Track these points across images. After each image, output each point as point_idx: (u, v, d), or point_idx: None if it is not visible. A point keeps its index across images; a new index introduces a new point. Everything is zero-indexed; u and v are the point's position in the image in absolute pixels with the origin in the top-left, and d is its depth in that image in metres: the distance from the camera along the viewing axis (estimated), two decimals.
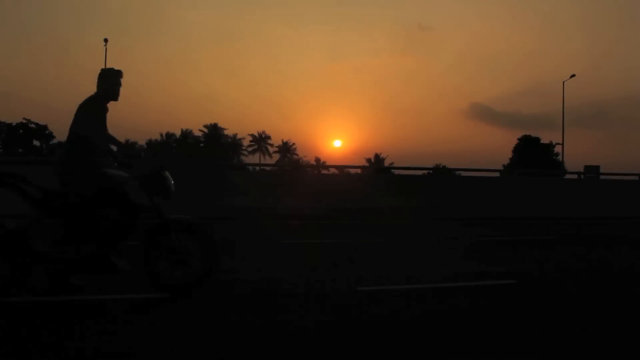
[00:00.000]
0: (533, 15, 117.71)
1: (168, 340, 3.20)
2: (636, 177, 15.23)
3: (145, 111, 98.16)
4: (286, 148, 77.03)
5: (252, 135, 75.38)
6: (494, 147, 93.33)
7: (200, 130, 71.62)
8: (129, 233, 4.22)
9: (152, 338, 3.25)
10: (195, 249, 4.26)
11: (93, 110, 4.32)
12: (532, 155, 51.96)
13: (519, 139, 58.70)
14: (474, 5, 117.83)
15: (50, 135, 59.27)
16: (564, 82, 42.64)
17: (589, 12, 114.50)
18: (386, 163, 68.23)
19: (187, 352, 2.99)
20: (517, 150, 57.53)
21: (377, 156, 71.18)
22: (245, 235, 8.67)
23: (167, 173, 4.43)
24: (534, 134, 59.25)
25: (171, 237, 4.24)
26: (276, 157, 76.09)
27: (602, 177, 17.78)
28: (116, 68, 4.44)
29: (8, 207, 4.29)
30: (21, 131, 57.09)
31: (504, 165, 52.74)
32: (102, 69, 4.48)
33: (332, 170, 25.83)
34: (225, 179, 12.37)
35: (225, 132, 72.28)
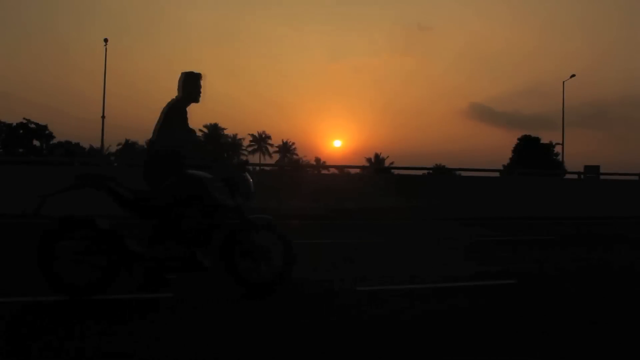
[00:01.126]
0: (532, 15, 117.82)
1: (167, 339, 3.20)
2: (636, 177, 15.23)
3: (145, 111, 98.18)
4: (286, 148, 77.05)
5: (252, 135, 75.48)
6: (494, 147, 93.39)
7: (200, 130, 71.67)
8: (215, 232, 4.36)
9: (151, 338, 3.25)
10: (274, 247, 4.43)
11: (178, 114, 4.48)
12: (532, 155, 51.94)
13: (519, 139, 58.68)
14: (474, 5, 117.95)
15: (51, 135, 59.25)
16: (564, 82, 42.64)
17: (589, 12, 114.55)
18: (386, 163, 68.23)
19: (186, 352, 2.99)
20: (517, 150, 57.52)
21: (377, 156, 71.19)
22: None
23: (247, 174, 4.59)
24: (533, 134, 59.21)
25: (252, 236, 4.40)
26: (276, 157, 76.14)
27: (602, 177, 17.79)
28: (196, 71, 4.60)
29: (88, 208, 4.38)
30: (21, 131, 57.05)
31: (504, 165, 52.69)
32: (183, 73, 4.61)
33: (332, 170, 25.82)
34: None
35: (225, 132, 72.36)
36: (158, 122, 4.55)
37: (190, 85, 4.56)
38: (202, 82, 4.62)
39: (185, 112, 4.53)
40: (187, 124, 4.52)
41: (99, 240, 4.12)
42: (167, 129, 4.46)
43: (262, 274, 4.39)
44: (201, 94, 4.61)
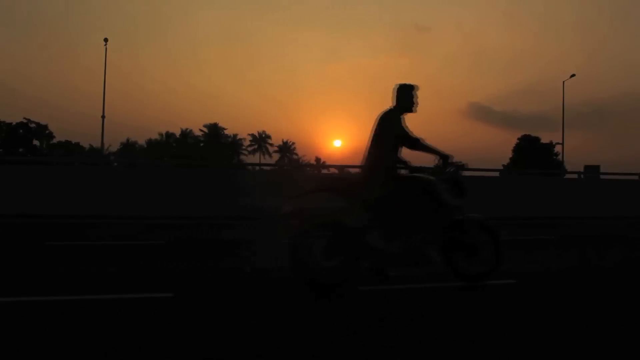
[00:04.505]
0: (530, 15, 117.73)
1: (167, 340, 3.20)
2: (636, 177, 15.23)
3: (145, 111, 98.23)
4: (286, 148, 77.11)
5: (252, 134, 75.49)
6: (493, 147, 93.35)
7: (200, 130, 71.69)
8: (443, 229, 4.76)
9: (151, 337, 3.25)
10: (486, 243, 4.86)
11: (393, 123, 4.76)
12: (532, 155, 51.96)
13: (518, 139, 58.73)
14: (471, 5, 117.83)
15: (51, 135, 59.30)
16: (564, 81, 42.68)
17: (587, 11, 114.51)
18: None
19: (184, 351, 2.99)
20: (517, 150, 57.53)
21: None
22: (244, 234, 8.67)
23: (461, 176, 5.03)
24: (532, 133, 59.28)
25: (468, 233, 4.80)
26: (276, 156, 76.20)
27: (602, 177, 17.79)
28: (411, 83, 4.87)
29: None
30: (21, 131, 57.08)
31: (503, 165, 52.75)
32: (399, 84, 4.88)
33: (332, 170, 25.80)
34: (228, 179, 12.42)
35: (226, 131, 72.37)
36: (372, 130, 4.84)
37: (405, 95, 4.83)
38: (415, 93, 4.88)
39: (400, 120, 4.79)
40: (406, 131, 4.80)
41: (343, 238, 4.51)
42: (382, 137, 4.76)
43: (476, 267, 4.82)
44: (416, 104, 4.88)
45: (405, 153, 4.95)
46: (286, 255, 4.47)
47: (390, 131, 4.74)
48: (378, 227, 4.65)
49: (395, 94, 4.84)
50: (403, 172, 4.99)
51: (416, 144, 4.82)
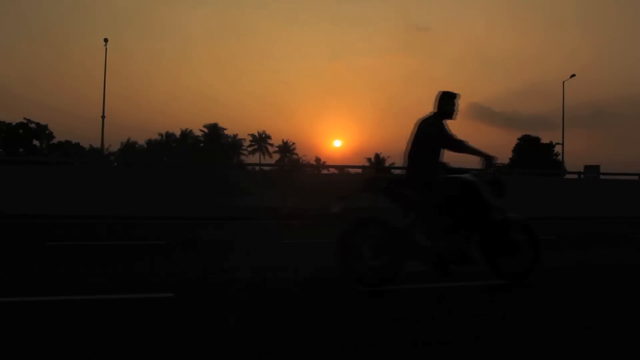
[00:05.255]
0: (530, 16, 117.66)
1: (167, 339, 3.20)
2: (636, 177, 15.23)
3: (145, 111, 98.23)
4: (286, 148, 77.06)
5: (252, 135, 75.47)
6: (493, 147, 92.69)
7: (200, 130, 71.68)
8: (484, 229, 4.90)
9: (151, 337, 3.25)
10: (526, 243, 4.98)
11: (435, 129, 4.91)
12: (532, 155, 51.95)
13: (519, 139, 58.73)
14: (472, 6, 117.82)
15: (51, 135, 59.28)
16: (564, 82, 42.65)
17: (587, 12, 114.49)
18: (387, 163, 68.23)
19: (185, 351, 2.99)
20: (517, 150, 57.52)
21: (377, 156, 71.21)
22: (245, 235, 8.68)
23: (502, 177, 5.20)
24: (532, 133, 59.27)
25: (510, 233, 4.93)
26: (276, 156, 76.16)
27: (602, 177, 17.79)
28: (453, 91, 5.04)
29: None
30: (21, 131, 57.07)
31: (504, 165, 52.69)
32: (441, 92, 5.04)
33: (332, 170, 25.80)
34: (226, 179, 12.43)
35: (226, 132, 72.36)
36: (413, 134, 4.98)
37: (446, 103, 4.99)
38: (457, 101, 5.04)
39: (442, 125, 4.94)
40: (450, 134, 4.94)
41: (390, 237, 4.65)
42: (426, 141, 4.90)
43: (515, 266, 4.93)
44: (456, 112, 5.05)
45: (448, 155, 5.08)
46: (333, 255, 4.62)
47: (434, 135, 4.90)
48: (423, 227, 4.81)
49: (438, 100, 5.01)
50: (445, 173, 5.11)
51: (460, 146, 4.95)
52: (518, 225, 5.01)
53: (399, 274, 4.70)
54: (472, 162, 5.15)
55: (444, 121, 4.97)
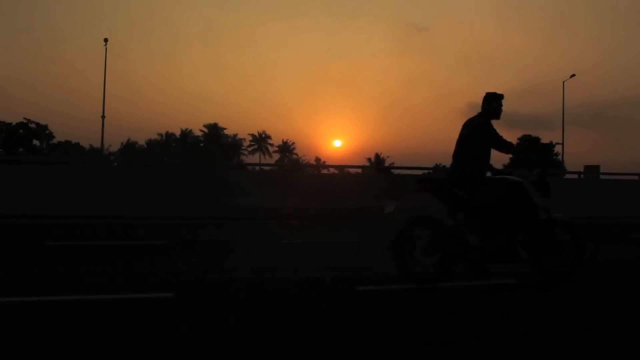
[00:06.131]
0: (530, 16, 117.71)
1: (166, 339, 3.20)
2: (636, 177, 15.23)
3: (145, 111, 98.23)
4: (286, 148, 77.07)
5: (252, 135, 75.48)
6: None
7: (200, 130, 71.68)
8: (531, 228, 5.00)
9: (151, 337, 3.25)
10: (570, 242, 5.10)
11: (483, 130, 5.06)
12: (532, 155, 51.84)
13: (518, 139, 58.70)
14: (471, 6, 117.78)
15: (50, 135, 59.27)
16: (564, 82, 42.69)
17: (586, 12, 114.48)
18: (387, 163, 68.25)
19: (185, 351, 2.99)
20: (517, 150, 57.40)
21: (377, 156, 71.20)
22: (245, 235, 8.68)
23: (547, 178, 5.35)
24: (532, 133, 59.27)
25: (555, 232, 5.06)
26: (276, 156, 76.18)
27: (602, 177, 17.79)
28: (499, 92, 5.15)
29: None
30: (21, 131, 57.06)
31: (504, 165, 52.70)
32: (487, 93, 5.18)
33: (332, 170, 25.81)
34: (226, 179, 12.43)
35: (225, 131, 72.36)
36: (461, 136, 5.12)
37: (493, 103, 5.12)
38: (502, 102, 5.16)
39: (490, 126, 5.09)
40: (500, 136, 5.11)
41: (442, 236, 4.79)
42: (475, 143, 5.04)
43: (559, 265, 5.04)
44: (501, 112, 5.17)
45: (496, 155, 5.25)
46: (389, 254, 4.76)
47: (483, 137, 5.05)
48: (472, 227, 4.93)
49: (484, 102, 5.14)
50: (493, 174, 5.31)
51: (509, 147, 5.14)
52: (561, 224, 5.11)
53: (449, 273, 4.80)
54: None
55: (491, 122, 5.10)
